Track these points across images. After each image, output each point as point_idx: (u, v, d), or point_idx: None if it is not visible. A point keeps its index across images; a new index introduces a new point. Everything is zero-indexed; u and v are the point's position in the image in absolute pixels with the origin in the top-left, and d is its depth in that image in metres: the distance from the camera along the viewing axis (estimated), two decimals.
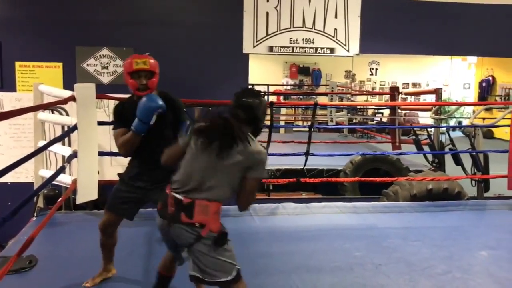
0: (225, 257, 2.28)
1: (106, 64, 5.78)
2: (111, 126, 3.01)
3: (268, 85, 12.74)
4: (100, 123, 4.34)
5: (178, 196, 2.25)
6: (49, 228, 3.82)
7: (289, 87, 15.61)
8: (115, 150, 3.12)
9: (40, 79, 5.53)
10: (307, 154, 5.09)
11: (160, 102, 2.73)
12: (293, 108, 13.75)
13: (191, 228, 2.21)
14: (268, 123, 5.10)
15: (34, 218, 4.28)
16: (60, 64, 5.78)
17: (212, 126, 2.30)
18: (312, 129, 5.22)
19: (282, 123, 12.39)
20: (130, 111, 2.78)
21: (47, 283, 3.06)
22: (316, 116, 5.40)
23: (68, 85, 5.34)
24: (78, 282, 3.04)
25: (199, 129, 2.32)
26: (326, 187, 7.12)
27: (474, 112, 10.41)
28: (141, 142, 2.79)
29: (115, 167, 3.03)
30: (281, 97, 13.49)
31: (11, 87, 5.72)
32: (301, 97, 13.98)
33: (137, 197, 2.89)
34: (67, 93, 4.35)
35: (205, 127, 2.31)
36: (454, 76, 15.63)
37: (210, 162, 2.25)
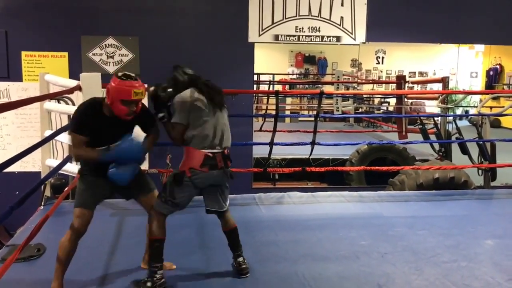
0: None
1: (112, 53, 5.78)
2: None
3: (273, 74, 12.70)
4: None
5: (220, 151, 2.89)
6: (57, 217, 3.84)
7: (294, 76, 15.55)
8: None
9: (46, 68, 5.55)
10: (313, 143, 5.08)
11: (141, 155, 2.73)
12: (298, 98, 13.71)
13: (228, 169, 2.94)
14: (273, 112, 5.09)
15: (42, 207, 4.32)
16: (66, 54, 5.80)
17: (216, 90, 2.95)
18: (318, 118, 5.20)
19: (287, 112, 12.36)
20: (96, 122, 2.69)
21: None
22: (322, 105, 5.38)
23: (74, 74, 5.37)
24: (85, 270, 3.07)
25: (213, 95, 2.91)
26: (332, 176, 7.12)
27: (481, 101, 10.34)
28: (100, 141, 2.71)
29: None
30: (287, 86, 13.45)
31: (18, 77, 5.75)
32: (306, 86, 13.93)
33: (105, 186, 2.80)
34: (73, 83, 4.36)
35: (213, 93, 2.92)
36: (461, 64, 15.49)
37: (224, 118, 2.97)
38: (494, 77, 14.57)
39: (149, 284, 2.80)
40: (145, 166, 5.48)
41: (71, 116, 2.77)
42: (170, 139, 2.91)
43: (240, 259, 3.06)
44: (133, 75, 2.70)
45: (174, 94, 2.86)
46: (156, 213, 2.88)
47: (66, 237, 2.77)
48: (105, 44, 5.79)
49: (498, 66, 14.59)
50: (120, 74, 2.68)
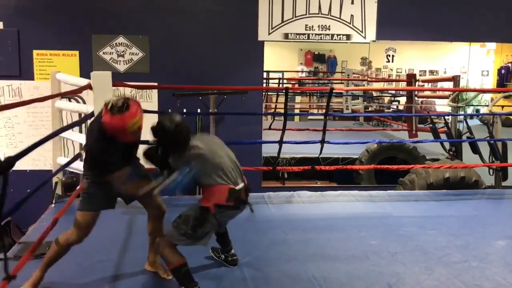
0: None
1: (122, 52, 5.81)
2: None
3: (283, 72, 12.68)
4: None
5: (242, 185, 2.81)
6: (68, 215, 3.86)
7: (304, 75, 15.50)
8: None
9: (57, 67, 5.59)
10: (322, 142, 5.07)
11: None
12: (308, 96, 13.68)
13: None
14: (282, 111, 5.09)
15: (53, 205, 4.35)
16: (77, 53, 5.84)
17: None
18: (328, 117, 5.19)
19: (296, 111, 12.34)
20: (116, 152, 2.63)
21: (67, 269, 3.12)
22: (331, 104, 5.36)
23: (84, 73, 5.40)
24: (98, 268, 3.10)
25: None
26: (341, 175, 7.11)
27: (492, 99, 10.25)
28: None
29: None
30: (296, 85, 13.41)
31: (29, 76, 5.80)
32: (316, 84, 13.88)
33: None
34: (84, 81, 4.39)
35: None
36: (472, 63, 15.35)
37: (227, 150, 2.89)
38: (506, 76, 14.42)
39: None
40: None
41: (91, 156, 2.72)
42: None
43: (233, 251, 3.20)
44: (122, 103, 2.51)
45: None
46: (167, 242, 2.74)
47: (70, 236, 2.80)
48: (116, 43, 5.82)
49: (510, 65, 14.44)
50: (110, 106, 2.51)
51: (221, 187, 2.69)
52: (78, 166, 4.40)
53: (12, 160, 2.12)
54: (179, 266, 2.68)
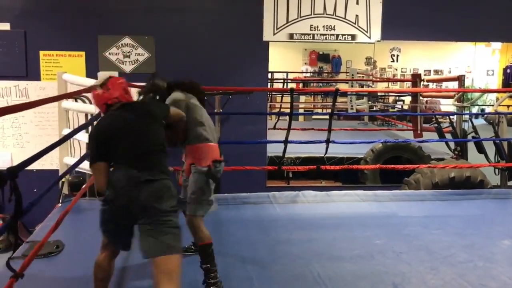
0: None
1: (128, 53, 5.84)
2: None
3: (287, 72, 12.69)
4: None
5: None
6: (74, 214, 3.91)
7: (308, 75, 15.50)
8: None
9: (63, 68, 5.63)
10: (327, 142, 5.07)
11: None
12: (312, 96, 13.68)
13: None
14: (287, 110, 5.10)
15: (60, 204, 4.38)
16: (83, 53, 5.87)
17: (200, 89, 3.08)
18: (332, 116, 5.18)
19: (301, 110, 12.34)
20: None
21: (74, 267, 3.14)
22: (336, 103, 5.36)
23: (91, 73, 5.44)
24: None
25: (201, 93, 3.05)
26: (346, 175, 7.11)
27: (497, 99, 10.21)
28: None
29: None
30: (300, 85, 13.41)
31: (36, 76, 5.84)
32: (320, 84, 13.87)
33: None
34: (91, 82, 4.41)
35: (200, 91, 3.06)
36: (477, 62, 15.31)
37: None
38: (511, 75, 14.38)
39: None
40: None
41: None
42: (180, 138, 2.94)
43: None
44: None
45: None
46: (196, 219, 2.85)
47: None
48: (122, 44, 5.85)
49: None
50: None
51: (214, 144, 2.95)
52: (85, 166, 4.43)
53: (15, 169, 2.13)
54: (209, 244, 2.85)
